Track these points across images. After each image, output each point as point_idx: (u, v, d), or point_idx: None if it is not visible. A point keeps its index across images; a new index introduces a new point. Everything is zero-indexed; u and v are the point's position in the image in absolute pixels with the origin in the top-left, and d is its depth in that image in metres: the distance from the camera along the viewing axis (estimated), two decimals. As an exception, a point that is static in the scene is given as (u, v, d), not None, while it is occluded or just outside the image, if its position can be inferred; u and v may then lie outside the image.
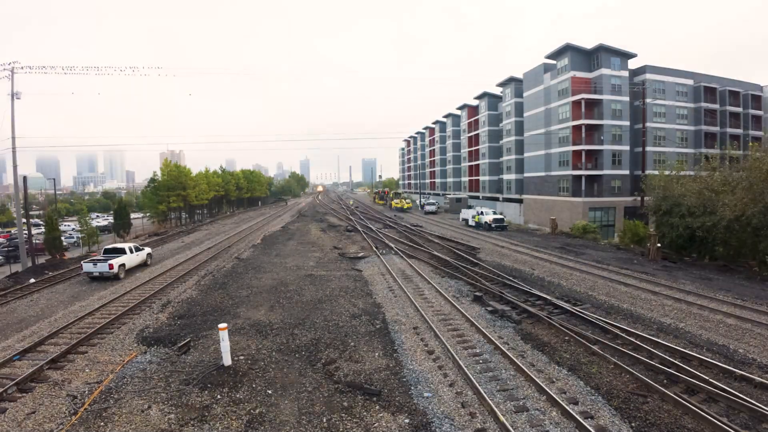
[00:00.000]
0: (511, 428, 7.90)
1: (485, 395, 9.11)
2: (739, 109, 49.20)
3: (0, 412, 9.07)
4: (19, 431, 8.35)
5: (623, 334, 12.66)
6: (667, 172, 29.10)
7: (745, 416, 8.24)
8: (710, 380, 9.47)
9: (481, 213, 43.91)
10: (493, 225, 41.50)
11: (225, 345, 11.00)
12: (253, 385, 10.00)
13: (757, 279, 19.90)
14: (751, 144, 24.45)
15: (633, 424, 8.16)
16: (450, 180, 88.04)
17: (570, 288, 18.77)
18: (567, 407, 8.53)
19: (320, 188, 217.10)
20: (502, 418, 8.25)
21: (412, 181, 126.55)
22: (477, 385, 9.57)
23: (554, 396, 8.99)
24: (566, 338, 12.61)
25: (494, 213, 43.91)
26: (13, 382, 10.25)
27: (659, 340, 12.19)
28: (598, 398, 9.18)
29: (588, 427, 7.87)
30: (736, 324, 13.55)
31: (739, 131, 48.49)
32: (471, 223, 45.72)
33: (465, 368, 10.40)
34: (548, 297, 16.81)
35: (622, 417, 8.42)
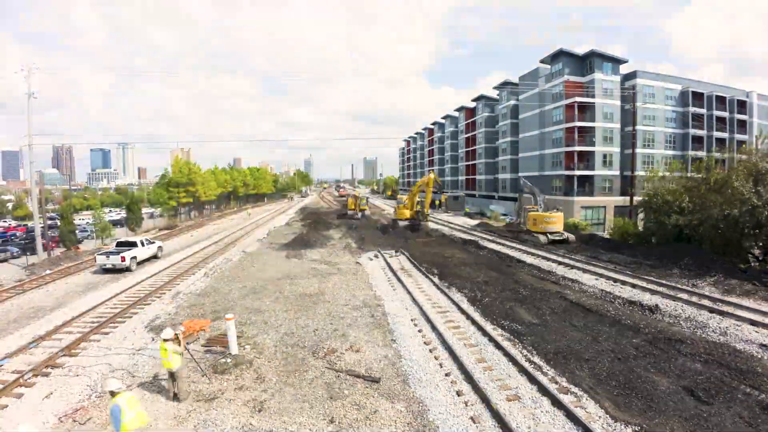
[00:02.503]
0: (504, 417, 7.91)
1: (479, 384, 9.12)
2: (726, 114, 49.03)
3: (16, 398, 9.10)
4: (35, 415, 8.37)
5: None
6: (660, 174, 29.03)
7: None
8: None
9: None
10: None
11: (232, 334, 11.02)
12: (258, 374, 10.00)
13: (736, 273, 19.45)
14: (743, 146, 24.40)
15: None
16: (448, 179, 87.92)
17: (561, 281, 18.72)
18: (558, 397, 8.55)
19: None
20: (495, 406, 8.26)
21: (412, 180, 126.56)
22: (472, 374, 9.58)
23: (545, 386, 9.00)
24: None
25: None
26: (30, 368, 10.29)
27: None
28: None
29: (579, 417, 7.88)
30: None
31: (725, 135, 48.37)
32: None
33: (461, 359, 10.42)
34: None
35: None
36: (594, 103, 43.54)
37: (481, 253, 26.12)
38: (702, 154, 43.34)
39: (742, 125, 50.38)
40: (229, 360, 10.62)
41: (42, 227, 30.81)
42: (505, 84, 58.47)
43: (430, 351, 11.27)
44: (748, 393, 8.66)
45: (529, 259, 23.82)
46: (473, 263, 22.56)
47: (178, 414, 8.28)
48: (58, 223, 35.30)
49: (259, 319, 13.94)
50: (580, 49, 45.19)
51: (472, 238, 32.44)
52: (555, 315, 13.94)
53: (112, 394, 6.87)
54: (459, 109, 79.80)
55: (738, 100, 50.16)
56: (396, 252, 26.30)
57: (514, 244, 28.82)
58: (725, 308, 14.09)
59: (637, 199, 31.83)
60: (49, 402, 8.85)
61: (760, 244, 20.87)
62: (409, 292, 16.83)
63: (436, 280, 18.91)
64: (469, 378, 9.53)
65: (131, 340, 12.34)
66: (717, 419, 7.80)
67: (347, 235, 34.98)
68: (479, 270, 20.73)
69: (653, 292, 16.46)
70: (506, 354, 10.79)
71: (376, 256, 25.29)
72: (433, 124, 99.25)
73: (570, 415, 8.00)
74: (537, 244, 28.17)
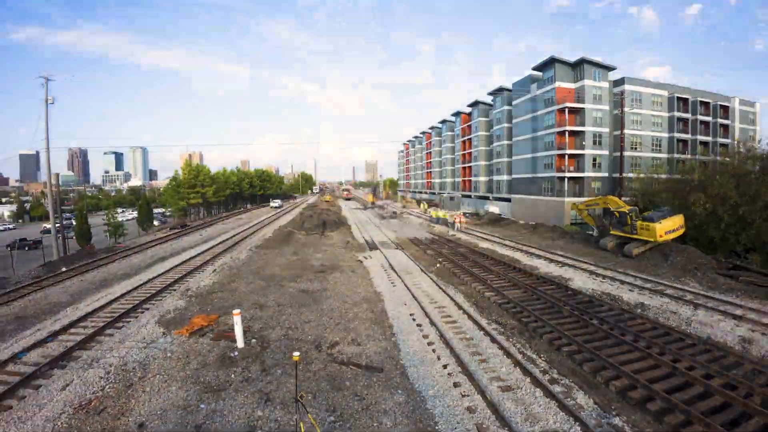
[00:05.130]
0: (498, 407, 7.92)
1: (474, 376, 9.12)
2: (709, 118, 49.06)
3: (34, 389, 9.11)
4: (52, 405, 8.37)
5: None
6: (642, 175, 29.13)
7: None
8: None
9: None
10: None
11: (238, 329, 11.02)
12: (264, 366, 10.00)
13: (721, 270, 19.30)
14: (725, 149, 24.44)
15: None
16: (446, 180, 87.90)
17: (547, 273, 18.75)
18: (549, 387, 8.56)
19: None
20: (489, 397, 8.27)
21: (410, 181, 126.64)
22: (468, 366, 9.58)
23: (538, 378, 9.00)
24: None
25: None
26: (47, 361, 10.29)
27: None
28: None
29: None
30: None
31: (709, 138, 48.41)
32: None
33: (457, 352, 10.42)
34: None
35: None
36: (584, 108, 43.55)
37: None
38: (687, 156, 43.40)
39: (725, 129, 50.43)
40: (236, 353, 10.63)
41: (58, 227, 30.83)
42: (499, 90, 58.44)
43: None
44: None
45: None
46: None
47: (188, 405, 8.28)
48: (73, 223, 35.27)
49: (264, 314, 13.94)
50: (571, 57, 45.16)
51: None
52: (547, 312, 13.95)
53: None
54: (456, 114, 79.79)
55: (721, 106, 50.19)
56: None
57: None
58: (710, 304, 14.09)
59: (625, 199, 31.83)
60: (66, 393, 8.85)
61: (743, 242, 20.87)
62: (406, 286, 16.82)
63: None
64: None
65: (143, 334, 12.34)
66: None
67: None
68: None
69: (641, 288, 16.46)
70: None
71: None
72: (431, 128, 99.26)
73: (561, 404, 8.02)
74: None
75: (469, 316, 13.37)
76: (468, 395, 8.57)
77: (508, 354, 10.41)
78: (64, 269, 23.01)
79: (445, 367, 9.88)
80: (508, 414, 7.78)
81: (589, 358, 10.06)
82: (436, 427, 7.57)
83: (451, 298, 15.46)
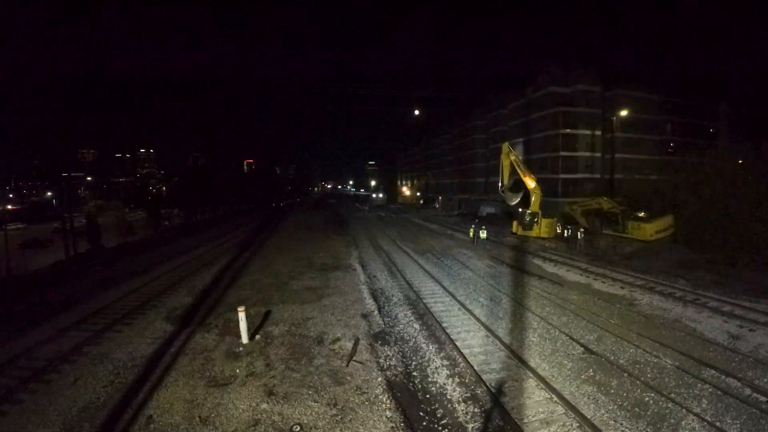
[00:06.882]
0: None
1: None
2: (699, 122, 49.11)
3: (45, 384, 9.13)
4: (64, 400, 8.40)
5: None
6: (636, 176, 29.20)
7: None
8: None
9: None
10: None
11: (243, 325, 11.02)
12: (268, 361, 10.00)
13: (711, 269, 19.23)
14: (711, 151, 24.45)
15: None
16: (447, 181, 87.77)
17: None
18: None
19: None
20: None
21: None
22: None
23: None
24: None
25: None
26: (58, 356, 10.32)
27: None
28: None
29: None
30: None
31: (700, 141, 48.41)
32: None
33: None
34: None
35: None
36: (577, 111, 43.65)
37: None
38: (677, 158, 43.35)
39: (715, 132, 50.49)
40: (240, 349, 10.65)
41: (68, 227, 30.86)
42: (496, 93, 58.75)
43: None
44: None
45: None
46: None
47: (194, 399, 8.30)
48: (84, 222, 35.27)
49: (268, 310, 13.94)
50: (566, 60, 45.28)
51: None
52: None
53: None
54: (454, 116, 79.98)
55: (711, 110, 50.29)
56: None
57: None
58: (700, 300, 14.12)
59: (616, 200, 31.87)
60: (75, 388, 8.87)
61: (734, 242, 20.83)
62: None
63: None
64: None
65: (151, 330, 12.36)
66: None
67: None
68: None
69: (632, 285, 16.49)
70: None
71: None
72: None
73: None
74: None
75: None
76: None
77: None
78: (73, 268, 23.05)
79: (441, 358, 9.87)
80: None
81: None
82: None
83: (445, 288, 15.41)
